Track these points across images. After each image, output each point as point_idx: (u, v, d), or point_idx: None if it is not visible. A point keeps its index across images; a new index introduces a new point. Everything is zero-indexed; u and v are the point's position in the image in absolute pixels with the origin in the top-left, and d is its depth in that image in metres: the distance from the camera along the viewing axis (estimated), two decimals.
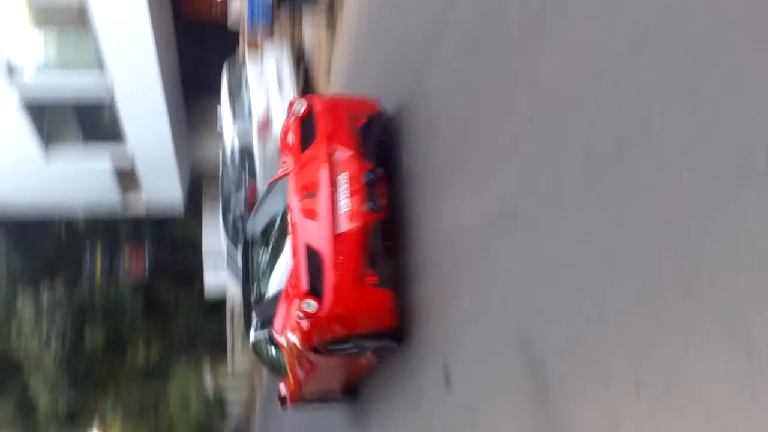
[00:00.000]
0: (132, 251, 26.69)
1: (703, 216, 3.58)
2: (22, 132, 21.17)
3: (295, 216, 8.23)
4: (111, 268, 26.10)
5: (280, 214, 8.95)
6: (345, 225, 7.85)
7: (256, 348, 10.09)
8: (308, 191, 8.17)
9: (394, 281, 8.09)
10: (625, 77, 4.34)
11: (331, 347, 8.12)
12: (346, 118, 8.72)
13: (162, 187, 24.63)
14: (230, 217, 22.75)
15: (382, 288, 7.93)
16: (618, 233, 4.30)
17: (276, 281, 8.73)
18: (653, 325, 3.96)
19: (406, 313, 8.08)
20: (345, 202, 7.96)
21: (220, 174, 23.98)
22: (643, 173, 4.09)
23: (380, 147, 8.59)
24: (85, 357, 23.58)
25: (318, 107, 8.91)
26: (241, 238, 23.02)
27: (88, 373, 24.01)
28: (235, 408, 44.51)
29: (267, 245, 9.44)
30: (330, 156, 8.24)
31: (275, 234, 9.19)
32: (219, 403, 42.59)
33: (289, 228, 8.31)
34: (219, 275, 27.51)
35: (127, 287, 24.92)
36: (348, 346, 8.25)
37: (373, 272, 7.88)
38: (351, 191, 8.00)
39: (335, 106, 9.16)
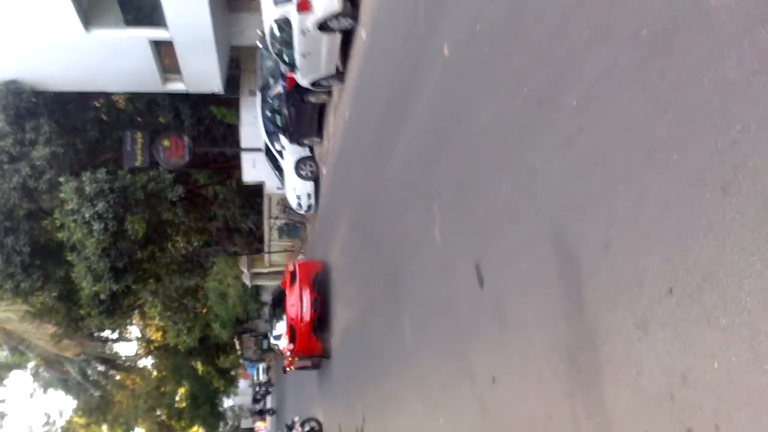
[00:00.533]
0: (172, 140, 26.72)
1: (748, 110, 3.42)
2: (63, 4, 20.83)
3: (287, 312, 20.65)
4: (151, 156, 26.21)
5: (281, 309, 21.55)
6: (305, 318, 20.14)
7: (271, 345, 25.85)
8: (292, 304, 20.38)
9: (323, 338, 20.53)
10: None
11: (300, 359, 22.26)
12: (307, 273, 20.90)
13: (201, 72, 24.38)
14: (268, 110, 22.70)
15: (318, 341, 20.57)
16: (661, 127, 4.14)
17: (280, 329, 21.80)
18: (690, 223, 3.86)
19: (330, 348, 20.30)
20: (305, 310, 20.15)
21: (259, 65, 23.72)
22: (692, 62, 3.89)
23: (320, 286, 20.52)
24: (127, 247, 23.93)
25: (298, 268, 21.10)
26: (277, 133, 23.07)
27: (129, 263, 24.42)
28: (270, 294, 45.68)
29: (278, 315, 22.02)
30: (301, 290, 20.27)
31: (280, 313, 21.73)
32: (255, 297, 43.64)
33: (285, 316, 21.10)
34: (257, 165, 27.72)
35: (167, 177, 25.00)
36: (307, 360, 22.22)
37: (315, 335, 20.42)
38: (309, 305, 20.14)
39: (305, 266, 21.58)
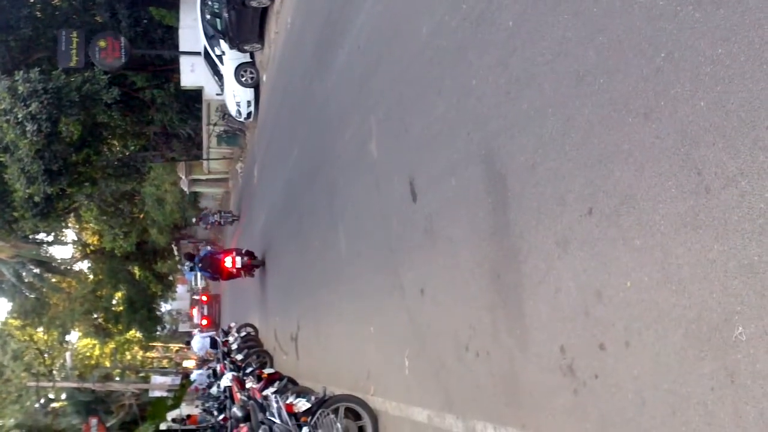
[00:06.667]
0: (108, 40, 25.84)
1: (674, 39, 3.49)
2: None
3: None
4: (87, 57, 25.37)
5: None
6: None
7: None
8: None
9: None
10: None
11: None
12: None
13: None
14: (208, 12, 22.08)
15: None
16: (591, 51, 4.19)
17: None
18: (612, 148, 3.96)
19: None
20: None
21: None
22: None
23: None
24: (61, 149, 23.32)
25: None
26: (217, 37, 22.49)
27: (64, 166, 23.86)
28: (209, 201, 45.43)
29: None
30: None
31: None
32: (193, 203, 43.30)
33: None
34: (196, 70, 27.10)
35: (102, 78, 24.26)
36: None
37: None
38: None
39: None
